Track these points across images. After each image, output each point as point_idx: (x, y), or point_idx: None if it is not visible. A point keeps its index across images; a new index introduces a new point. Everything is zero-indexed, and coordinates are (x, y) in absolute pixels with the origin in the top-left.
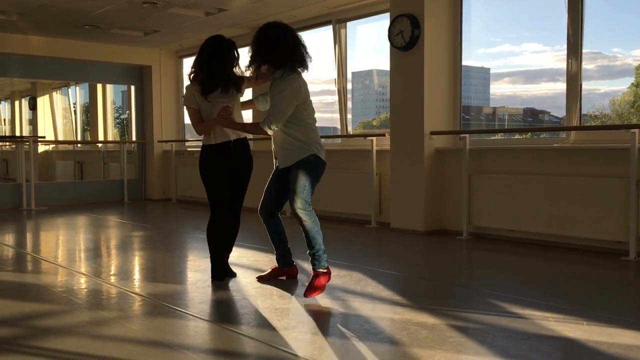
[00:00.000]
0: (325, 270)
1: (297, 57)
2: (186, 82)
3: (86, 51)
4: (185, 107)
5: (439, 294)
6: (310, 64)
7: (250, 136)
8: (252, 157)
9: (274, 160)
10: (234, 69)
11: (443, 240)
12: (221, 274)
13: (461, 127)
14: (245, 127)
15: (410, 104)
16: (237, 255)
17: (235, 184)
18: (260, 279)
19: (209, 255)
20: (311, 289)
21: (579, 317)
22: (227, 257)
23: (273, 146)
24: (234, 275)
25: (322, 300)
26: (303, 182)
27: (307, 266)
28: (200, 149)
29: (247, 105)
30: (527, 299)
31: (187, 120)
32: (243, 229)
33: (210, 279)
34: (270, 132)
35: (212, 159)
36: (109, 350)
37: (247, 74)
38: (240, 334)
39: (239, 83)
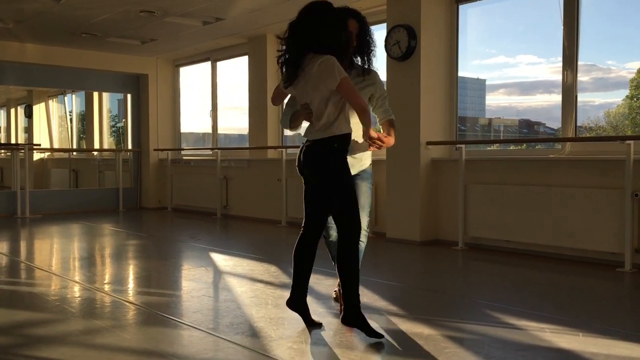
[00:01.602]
0: None
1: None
2: (183, 91)
3: (83, 59)
4: (341, 82)
5: (434, 304)
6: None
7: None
8: None
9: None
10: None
11: (438, 251)
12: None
13: (457, 137)
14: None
15: (406, 114)
16: (232, 265)
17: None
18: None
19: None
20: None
21: (575, 328)
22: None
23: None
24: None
25: (317, 310)
26: (370, 200)
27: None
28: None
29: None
30: (522, 310)
31: (187, 129)
32: (236, 237)
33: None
34: None
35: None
36: None
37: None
38: (235, 344)
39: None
